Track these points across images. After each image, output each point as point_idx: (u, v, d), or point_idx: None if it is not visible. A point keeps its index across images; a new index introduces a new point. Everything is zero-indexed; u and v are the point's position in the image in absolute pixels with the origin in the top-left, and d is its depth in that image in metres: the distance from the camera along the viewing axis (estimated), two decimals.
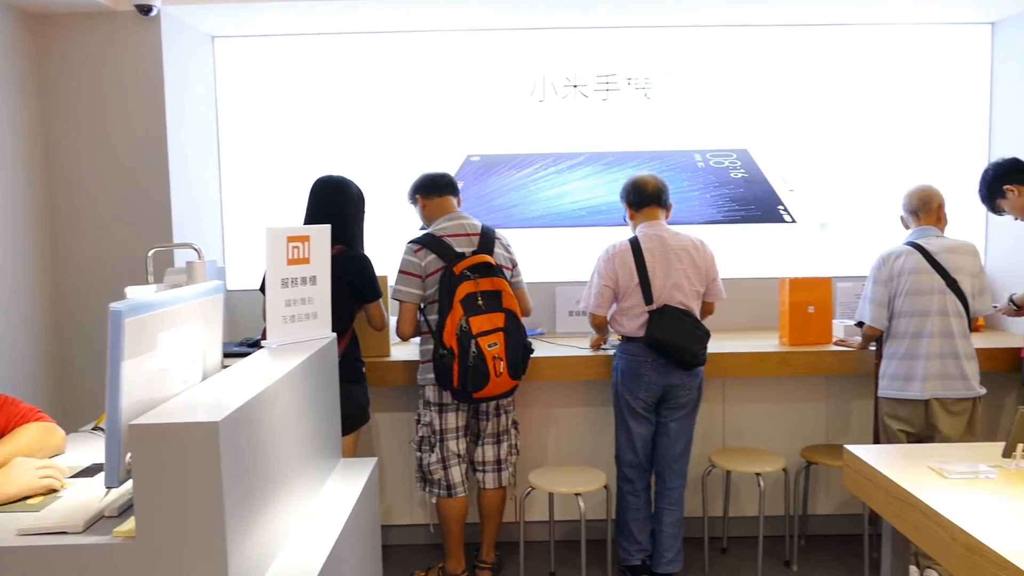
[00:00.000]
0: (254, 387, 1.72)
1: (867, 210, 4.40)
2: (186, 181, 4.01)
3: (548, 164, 4.46)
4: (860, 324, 3.60)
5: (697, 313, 3.52)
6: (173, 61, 3.91)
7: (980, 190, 3.74)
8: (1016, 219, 3.65)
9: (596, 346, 3.81)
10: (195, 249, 2.66)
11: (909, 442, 3.44)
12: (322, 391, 2.27)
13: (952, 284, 3.40)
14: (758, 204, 4.43)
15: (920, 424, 3.44)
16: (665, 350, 3.41)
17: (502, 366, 3.32)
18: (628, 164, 4.42)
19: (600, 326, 3.65)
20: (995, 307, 3.72)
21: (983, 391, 3.44)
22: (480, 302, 3.33)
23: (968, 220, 4.33)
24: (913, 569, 3.50)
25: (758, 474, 3.61)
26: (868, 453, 2.32)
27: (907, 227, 3.63)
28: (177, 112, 3.93)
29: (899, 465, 2.22)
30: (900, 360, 3.45)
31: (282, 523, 1.85)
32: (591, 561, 3.73)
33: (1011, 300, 3.60)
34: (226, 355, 2.21)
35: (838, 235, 4.45)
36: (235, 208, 4.42)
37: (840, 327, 3.93)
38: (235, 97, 4.39)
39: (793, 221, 4.44)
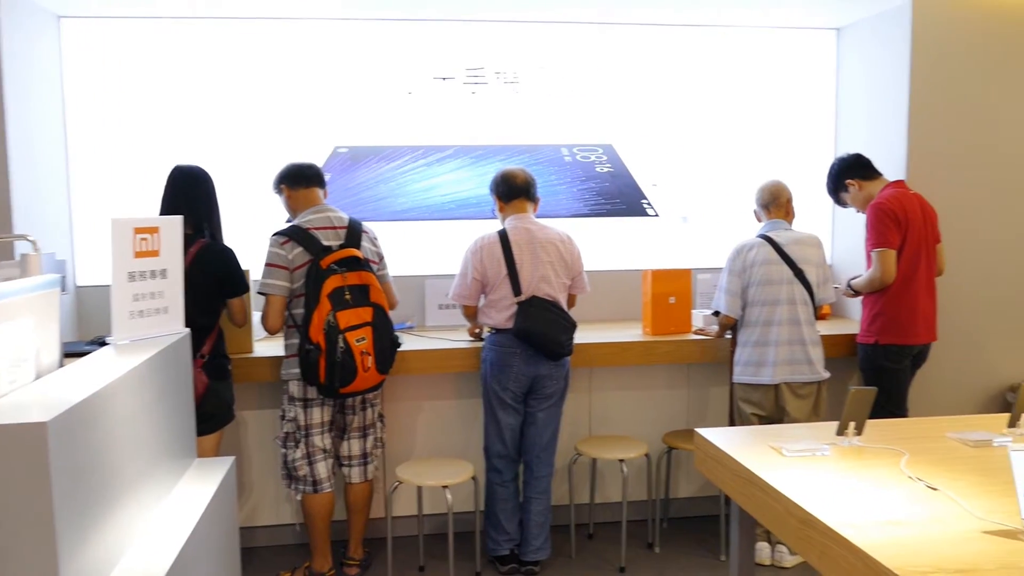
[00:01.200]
0: (91, 385, 1.64)
1: (725, 204, 4.60)
2: (28, 169, 3.77)
3: (417, 157, 4.44)
4: (716, 313, 3.76)
5: (564, 305, 3.59)
6: (13, 40, 3.66)
7: (827, 184, 3.97)
8: (858, 211, 3.90)
9: (474, 334, 3.83)
10: (30, 241, 2.51)
11: (761, 424, 3.62)
12: (173, 389, 2.19)
13: (799, 274, 3.60)
14: (623, 198, 4.55)
15: (771, 407, 3.62)
16: (533, 341, 3.46)
17: (370, 361, 3.29)
18: (497, 157, 4.46)
19: (472, 316, 3.68)
20: (836, 287, 3.96)
21: (827, 375, 3.66)
22: (348, 296, 3.29)
23: (816, 213, 4.59)
24: (764, 545, 3.70)
25: (621, 461, 3.72)
26: (715, 436, 2.43)
27: (759, 220, 3.82)
28: (17, 95, 3.69)
29: (744, 446, 2.34)
30: (752, 347, 3.63)
31: (125, 528, 1.77)
32: (460, 554, 3.75)
33: (849, 285, 3.84)
34: (74, 354, 2.11)
35: (698, 228, 4.63)
36: (87, 200, 4.18)
37: (699, 316, 4.09)
38: (86, 81, 4.15)
39: (656, 215, 4.59)
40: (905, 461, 2.18)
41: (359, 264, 3.35)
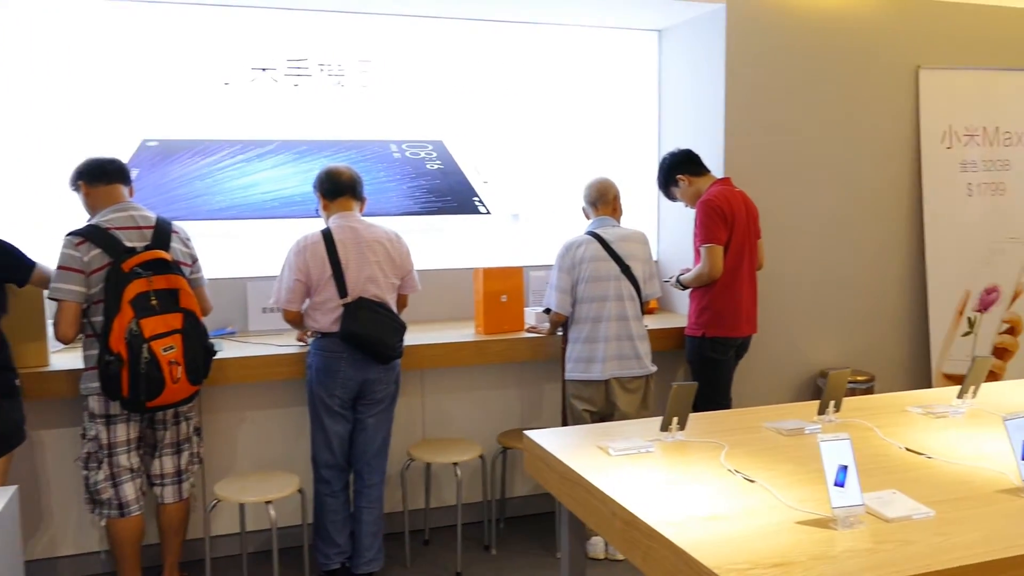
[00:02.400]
0: None
1: (555, 201, 4.61)
2: None
3: (236, 152, 4.18)
4: (548, 311, 3.75)
5: (393, 306, 3.46)
6: None
7: (657, 178, 4.05)
8: (687, 206, 4.00)
9: (303, 339, 3.63)
10: None
11: (592, 420, 3.64)
12: None
13: (626, 270, 3.64)
14: (454, 195, 4.48)
15: (601, 403, 3.65)
16: (361, 344, 3.31)
17: (180, 371, 3.04)
18: (322, 153, 4.27)
19: (295, 321, 3.48)
20: (666, 281, 4.05)
21: (655, 369, 3.73)
22: (154, 302, 3.03)
23: (643, 210, 4.68)
24: (598, 539, 3.73)
25: (455, 464, 3.64)
26: (543, 438, 2.39)
27: (588, 217, 3.84)
28: None
29: (572, 446, 2.31)
30: (583, 344, 3.64)
31: None
32: (287, 571, 3.55)
33: (678, 279, 3.93)
34: None
35: (530, 226, 4.62)
36: None
37: (532, 314, 4.08)
38: None
39: (487, 212, 4.54)
40: (725, 454, 2.21)
41: (167, 267, 3.09)
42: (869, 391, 4.32)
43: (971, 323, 4.74)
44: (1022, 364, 4.83)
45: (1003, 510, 1.85)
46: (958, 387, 2.80)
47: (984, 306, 4.77)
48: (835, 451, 1.80)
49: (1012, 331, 4.83)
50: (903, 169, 4.60)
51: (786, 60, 4.32)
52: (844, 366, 4.50)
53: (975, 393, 2.76)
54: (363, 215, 3.52)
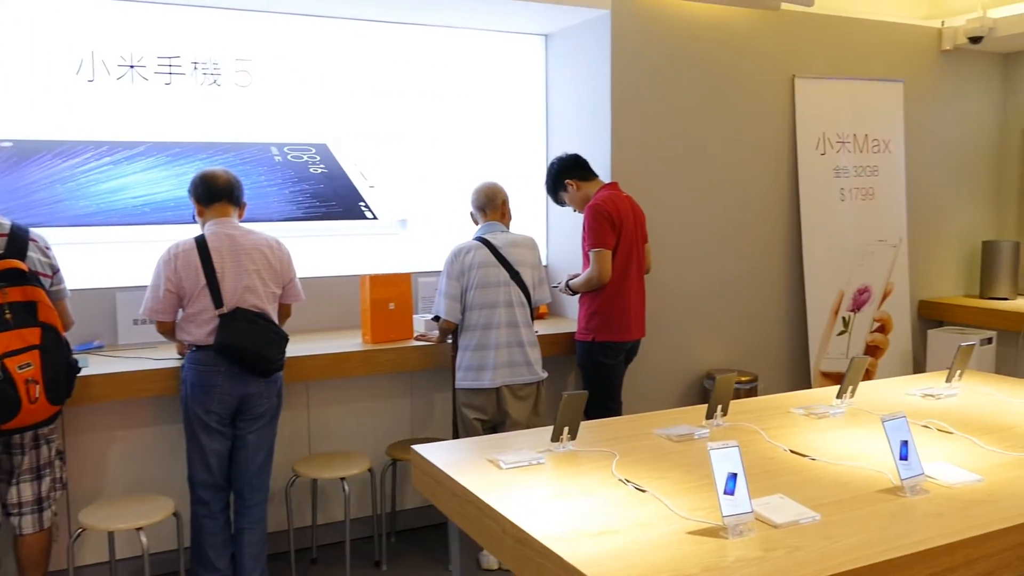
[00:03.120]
0: None
1: (444, 206, 4.53)
2: None
3: (102, 154, 3.92)
4: (437, 318, 3.67)
5: (273, 316, 3.30)
6: None
7: (546, 182, 4.04)
8: (575, 211, 4.00)
9: (183, 352, 3.41)
10: None
11: (484, 429, 3.59)
12: None
13: (516, 276, 3.60)
14: (339, 200, 4.33)
15: (493, 411, 3.60)
16: (239, 357, 3.15)
17: (38, 390, 2.81)
18: (198, 156, 4.05)
19: (167, 334, 3.28)
20: (555, 286, 4.05)
21: (545, 375, 3.70)
22: (8, 316, 2.79)
23: (531, 215, 4.67)
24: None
25: (343, 478, 3.51)
26: (432, 452, 2.31)
27: (476, 223, 3.78)
28: None
29: (462, 461, 2.24)
30: (473, 351, 3.58)
31: None
32: None
33: (567, 284, 3.93)
34: None
35: (418, 231, 4.52)
36: None
37: (421, 322, 3.99)
38: None
39: (374, 218, 4.42)
40: (616, 463, 2.19)
41: (23, 278, 2.85)
42: (753, 391, 4.43)
43: (845, 322, 4.94)
44: (892, 361, 5.07)
45: (885, 510, 1.89)
46: (837, 387, 2.88)
47: (857, 306, 4.97)
48: (724, 459, 1.79)
49: (883, 329, 5.05)
50: (781, 175, 4.75)
51: (671, 67, 4.38)
52: (729, 367, 4.62)
53: (853, 393, 2.85)
54: (242, 221, 3.35)
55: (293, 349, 3.39)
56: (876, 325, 5.03)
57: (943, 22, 5.18)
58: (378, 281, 3.86)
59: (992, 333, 5.03)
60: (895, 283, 5.06)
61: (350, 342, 3.86)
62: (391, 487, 4.02)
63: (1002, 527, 1.81)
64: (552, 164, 4.03)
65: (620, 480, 2.07)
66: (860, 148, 4.93)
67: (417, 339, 3.92)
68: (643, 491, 1.99)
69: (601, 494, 1.98)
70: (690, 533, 1.75)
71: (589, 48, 4.37)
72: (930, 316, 5.32)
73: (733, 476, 1.78)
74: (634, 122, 4.30)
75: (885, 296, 5.04)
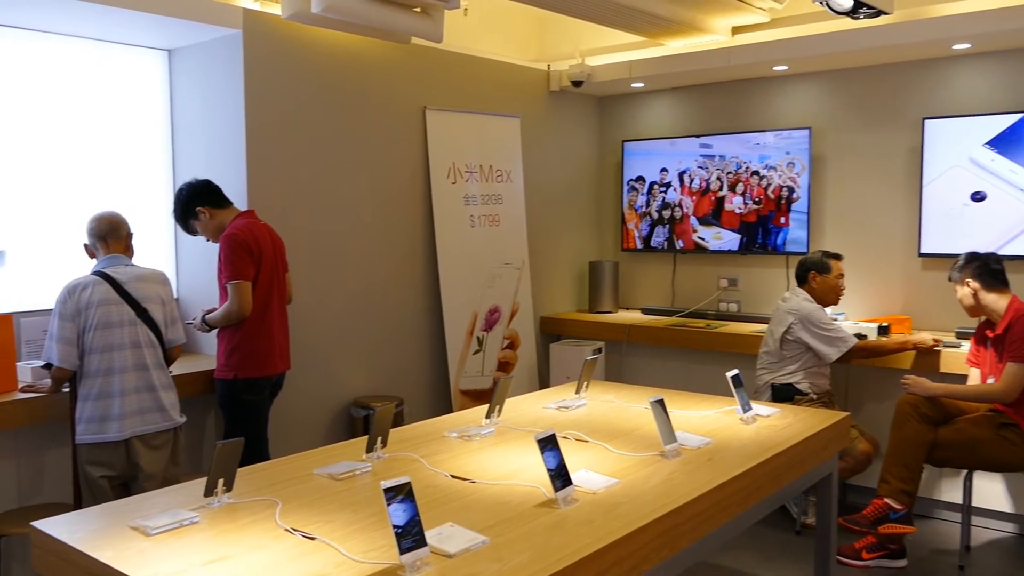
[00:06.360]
0: None
1: (52, 237, 3.96)
2: None
3: None
4: (49, 366, 3.20)
5: None
6: None
7: (175, 211, 3.75)
8: (208, 240, 3.73)
9: None
10: None
11: (112, 486, 3.20)
12: None
13: (143, 314, 3.26)
14: None
15: (122, 465, 3.21)
16: None
17: None
18: None
19: None
20: (190, 322, 3.76)
21: (183, 419, 3.40)
22: None
23: (158, 246, 4.28)
24: None
25: None
26: (57, 527, 1.97)
27: (93, 256, 3.37)
28: None
29: (99, 532, 1.94)
30: (95, 401, 3.17)
31: None
32: None
33: (204, 319, 3.66)
34: None
35: (19, 265, 3.89)
36: None
37: (27, 370, 3.44)
38: None
39: None
40: (279, 511, 2.06)
41: None
42: (400, 415, 4.49)
43: (480, 342, 5.22)
44: (522, 375, 5.46)
45: (544, 524, 2.00)
46: (482, 406, 3.02)
47: (489, 325, 5.28)
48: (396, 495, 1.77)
49: (512, 346, 5.43)
50: (417, 202, 4.90)
51: (308, 92, 4.30)
52: (375, 393, 4.64)
53: (500, 411, 3.00)
54: None
55: None
56: (506, 343, 5.39)
57: (549, 65, 5.74)
58: None
59: (601, 343, 5.66)
60: (520, 302, 5.47)
61: None
62: None
63: (643, 523, 2.01)
64: (180, 190, 3.74)
65: (286, 530, 1.94)
66: (486, 178, 5.26)
67: (23, 390, 3.37)
68: (312, 539, 1.89)
69: (268, 548, 1.84)
70: None
71: (219, 68, 4.13)
72: (551, 331, 5.84)
73: (408, 512, 1.76)
74: (271, 147, 4.14)
75: (513, 315, 5.42)
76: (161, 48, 4.34)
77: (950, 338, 4.50)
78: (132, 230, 3.43)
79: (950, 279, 3.94)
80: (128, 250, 3.40)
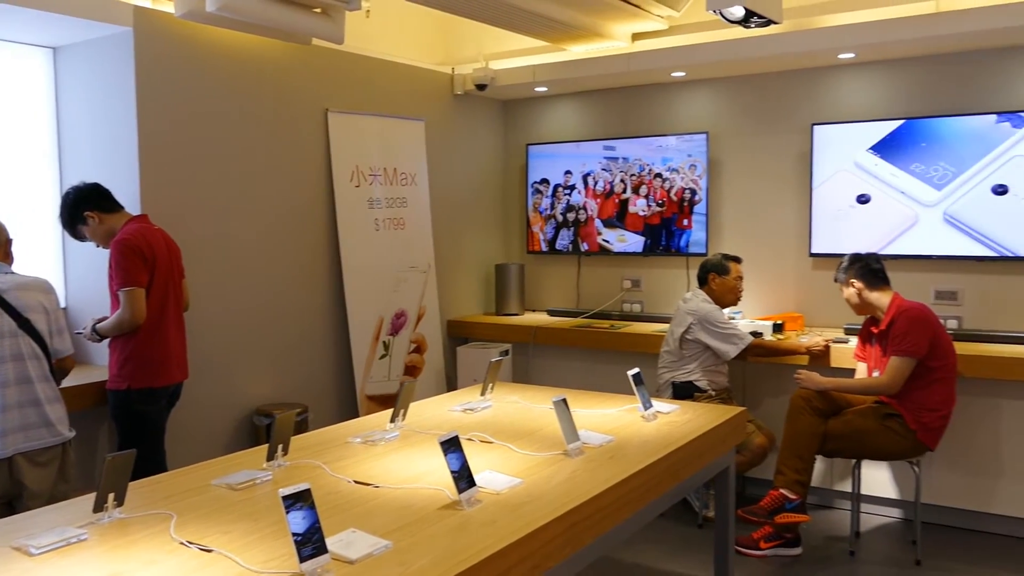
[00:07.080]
0: None
1: None
2: None
3: None
4: None
5: None
6: None
7: (61, 215, 3.60)
8: (99, 247, 3.60)
9: None
10: None
11: None
12: None
13: (25, 324, 3.10)
14: None
15: (4, 485, 3.04)
16: None
17: None
18: None
19: None
20: (80, 332, 3.61)
21: (72, 434, 3.25)
22: None
23: (42, 253, 4.09)
24: None
25: None
26: None
27: None
28: None
29: None
30: None
31: None
32: None
33: (94, 329, 3.52)
34: None
35: None
36: None
37: None
38: None
39: None
40: (174, 524, 1.99)
41: None
42: (304, 423, 4.41)
43: (386, 346, 5.17)
44: (429, 378, 5.44)
45: (448, 526, 2.00)
46: (387, 411, 2.99)
47: (395, 329, 5.24)
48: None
49: (419, 350, 5.40)
50: (320, 205, 4.82)
51: (205, 94, 4.18)
52: (278, 400, 4.55)
53: (404, 415, 2.98)
54: None
55: None
56: (413, 347, 5.36)
57: (453, 69, 5.74)
58: None
59: (508, 345, 5.69)
60: (427, 306, 5.45)
61: None
62: None
63: (545, 522, 2.04)
64: (67, 194, 3.58)
65: (181, 543, 1.88)
66: (390, 181, 5.22)
67: None
68: (209, 551, 1.84)
69: (162, 563, 1.78)
70: None
71: (109, 67, 3.97)
72: (458, 334, 5.83)
73: (308, 519, 1.73)
74: (165, 150, 4.01)
75: (419, 319, 5.39)
76: (46, 46, 4.15)
77: (839, 334, 4.71)
78: (12, 236, 3.27)
79: (836, 280, 4.13)
80: (7, 257, 3.23)
